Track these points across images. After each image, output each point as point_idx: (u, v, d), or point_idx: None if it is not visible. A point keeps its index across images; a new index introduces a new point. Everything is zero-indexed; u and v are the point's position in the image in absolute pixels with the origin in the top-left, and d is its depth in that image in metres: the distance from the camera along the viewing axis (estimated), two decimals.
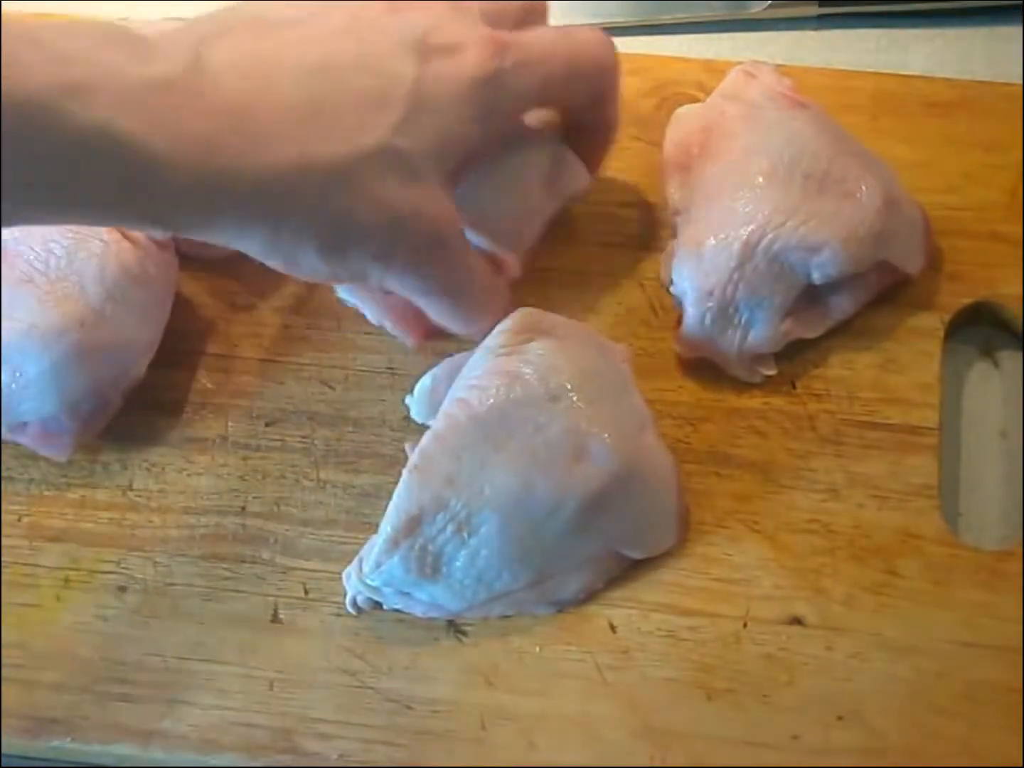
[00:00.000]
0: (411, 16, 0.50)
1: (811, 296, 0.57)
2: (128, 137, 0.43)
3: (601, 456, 0.52)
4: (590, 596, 0.54)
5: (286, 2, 0.50)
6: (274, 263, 0.50)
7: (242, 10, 0.49)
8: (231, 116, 0.45)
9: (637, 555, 0.54)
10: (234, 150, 0.45)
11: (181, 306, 0.60)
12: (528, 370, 0.53)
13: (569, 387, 0.53)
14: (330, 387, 0.59)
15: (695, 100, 0.63)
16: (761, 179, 0.57)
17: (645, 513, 0.54)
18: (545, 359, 0.53)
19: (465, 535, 0.51)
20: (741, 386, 0.58)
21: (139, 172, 0.44)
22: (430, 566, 0.52)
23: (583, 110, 0.57)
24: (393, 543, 0.52)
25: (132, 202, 0.45)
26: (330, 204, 0.48)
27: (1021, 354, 0.59)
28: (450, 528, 0.51)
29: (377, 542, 0.52)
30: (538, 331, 0.54)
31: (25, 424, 0.56)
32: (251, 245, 0.49)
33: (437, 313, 0.54)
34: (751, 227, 0.56)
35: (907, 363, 0.58)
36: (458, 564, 0.52)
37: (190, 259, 0.61)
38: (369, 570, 0.52)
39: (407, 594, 0.53)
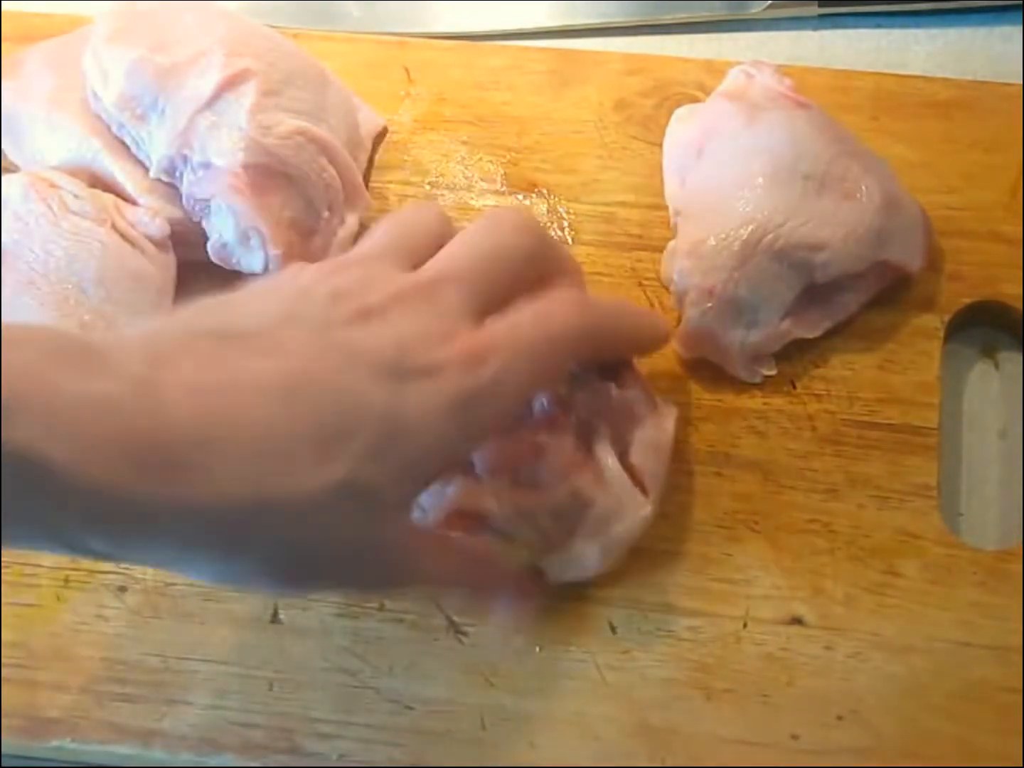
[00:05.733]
0: (385, 329, 0.45)
1: (811, 296, 0.57)
2: (47, 462, 0.39)
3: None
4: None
5: (247, 306, 0.46)
6: (224, 585, 0.53)
7: (199, 321, 0.45)
8: (183, 445, 0.41)
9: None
10: (183, 483, 0.41)
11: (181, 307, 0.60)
12: None
13: None
14: None
15: (695, 100, 0.63)
16: (761, 179, 0.57)
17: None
18: None
19: None
20: (741, 386, 0.58)
21: (59, 496, 0.40)
22: None
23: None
24: None
25: (55, 526, 0.41)
26: (285, 541, 0.44)
27: (1021, 354, 0.59)
28: None
29: None
30: None
31: None
32: (196, 572, 0.45)
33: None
34: (751, 227, 0.56)
35: (907, 363, 0.58)
36: None
37: (190, 260, 0.61)
38: None
39: None
